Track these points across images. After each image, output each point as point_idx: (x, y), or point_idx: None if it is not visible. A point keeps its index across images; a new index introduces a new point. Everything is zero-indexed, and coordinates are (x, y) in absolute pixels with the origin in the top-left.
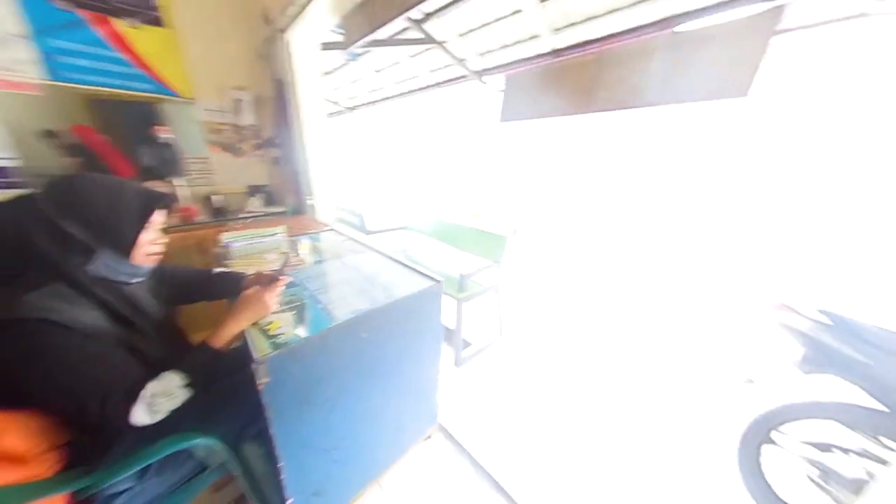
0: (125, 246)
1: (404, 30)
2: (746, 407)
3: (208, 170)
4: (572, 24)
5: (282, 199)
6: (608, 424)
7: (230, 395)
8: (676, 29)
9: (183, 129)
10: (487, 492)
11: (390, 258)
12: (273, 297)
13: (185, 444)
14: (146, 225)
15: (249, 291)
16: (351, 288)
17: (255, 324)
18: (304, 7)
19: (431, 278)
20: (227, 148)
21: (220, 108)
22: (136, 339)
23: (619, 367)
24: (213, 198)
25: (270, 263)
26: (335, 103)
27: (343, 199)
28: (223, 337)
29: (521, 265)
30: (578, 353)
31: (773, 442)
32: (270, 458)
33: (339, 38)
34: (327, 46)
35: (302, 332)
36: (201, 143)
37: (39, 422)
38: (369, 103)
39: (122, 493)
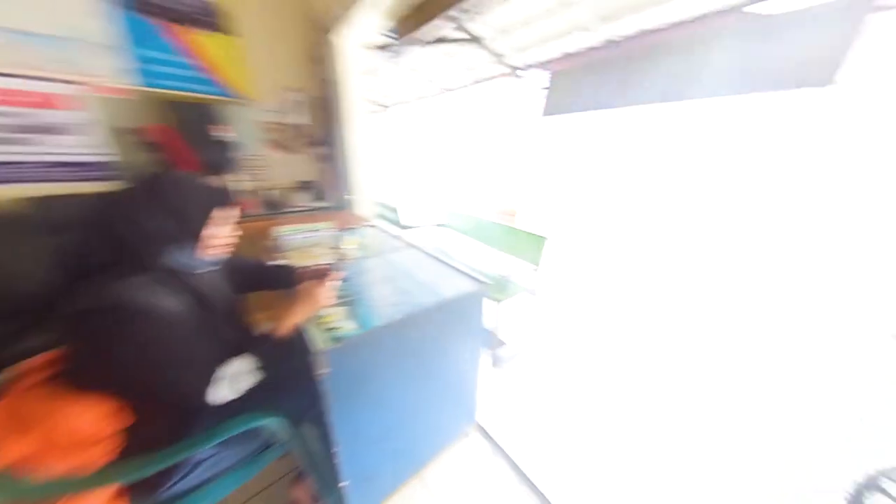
0: (193, 241)
1: (444, 29)
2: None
3: (263, 166)
4: (627, 13)
5: (328, 195)
6: (645, 427)
7: (291, 381)
8: (748, 9)
9: (242, 128)
10: (523, 491)
11: (433, 256)
12: (327, 293)
13: (258, 423)
14: (212, 221)
15: (306, 286)
16: (396, 286)
17: (313, 315)
18: (351, 10)
19: (476, 279)
20: (280, 146)
21: (274, 109)
22: (210, 325)
23: (659, 369)
24: (267, 192)
25: (319, 257)
26: (374, 103)
27: (379, 194)
28: (285, 327)
29: (559, 266)
30: (616, 355)
31: (882, 490)
32: (324, 439)
33: (384, 40)
34: (373, 47)
35: (355, 327)
36: (257, 141)
37: (108, 406)
38: (404, 102)
39: (205, 459)
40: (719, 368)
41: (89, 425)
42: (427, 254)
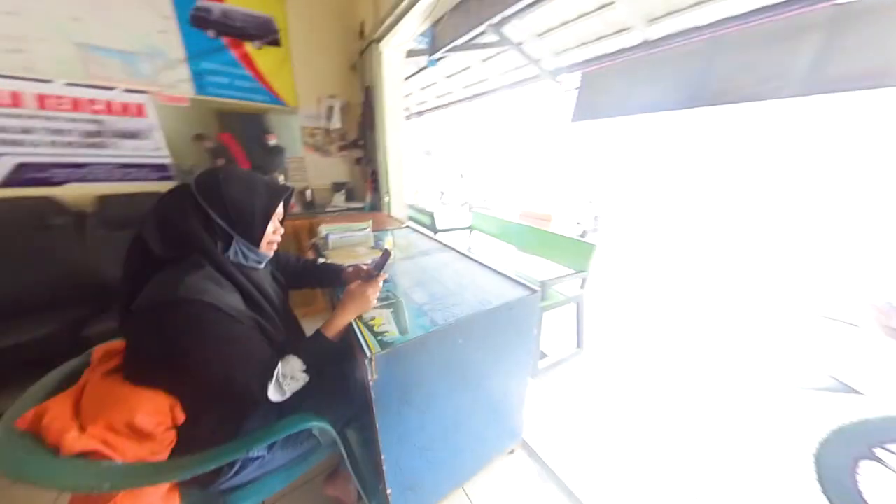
0: (255, 235)
1: (481, 34)
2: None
3: (303, 168)
4: (674, 12)
5: (361, 196)
6: (697, 444)
7: (340, 385)
8: (833, 3)
9: (286, 133)
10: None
11: (475, 261)
12: (374, 293)
13: (307, 425)
14: (272, 216)
15: (353, 287)
16: (442, 288)
17: (359, 318)
18: (398, 18)
19: (527, 287)
20: (318, 149)
21: (315, 115)
22: (264, 322)
23: (707, 382)
24: (306, 192)
25: (362, 257)
26: (405, 109)
27: (413, 197)
28: (334, 327)
29: (601, 273)
30: (663, 367)
31: (876, 458)
32: (367, 445)
33: (423, 46)
34: (411, 54)
35: (403, 332)
36: (299, 144)
37: (166, 401)
38: (438, 107)
39: (256, 459)
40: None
41: (147, 419)
42: (469, 258)
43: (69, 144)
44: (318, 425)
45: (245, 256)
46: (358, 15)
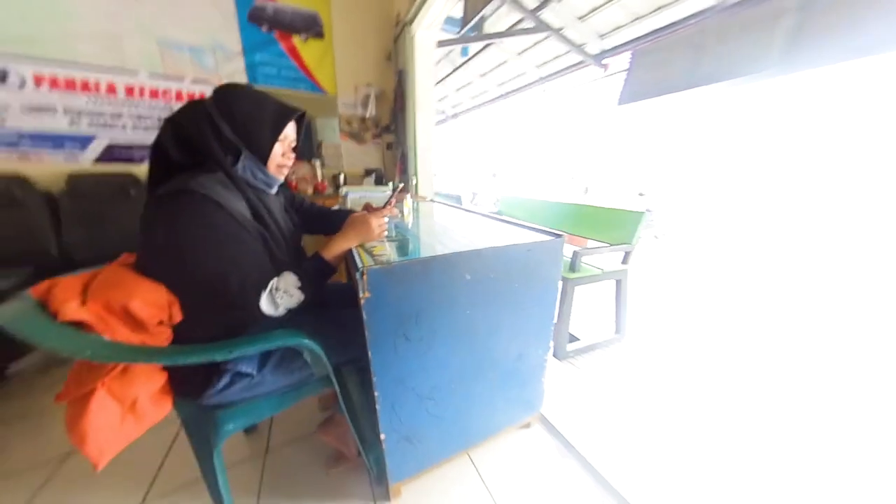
0: (263, 152)
1: (519, 21)
2: None
3: (338, 154)
4: None
5: (390, 179)
6: (744, 444)
7: (339, 328)
8: None
9: (325, 121)
10: (592, 488)
11: (496, 218)
12: (378, 222)
13: (297, 341)
14: (280, 136)
15: (357, 214)
16: (455, 233)
17: (361, 246)
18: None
19: (551, 233)
20: (353, 136)
21: (353, 103)
22: (268, 237)
23: (757, 377)
24: (339, 177)
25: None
26: (441, 112)
27: (443, 186)
28: (332, 250)
29: (656, 265)
30: (711, 361)
31: None
32: (366, 389)
33: (454, 35)
34: (443, 43)
35: (403, 256)
36: (336, 132)
37: (165, 296)
38: (473, 108)
39: (245, 377)
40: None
41: (142, 308)
42: (491, 216)
43: (147, 128)
44: (309, 345)
45: (254, 174)
46: (395, 7)
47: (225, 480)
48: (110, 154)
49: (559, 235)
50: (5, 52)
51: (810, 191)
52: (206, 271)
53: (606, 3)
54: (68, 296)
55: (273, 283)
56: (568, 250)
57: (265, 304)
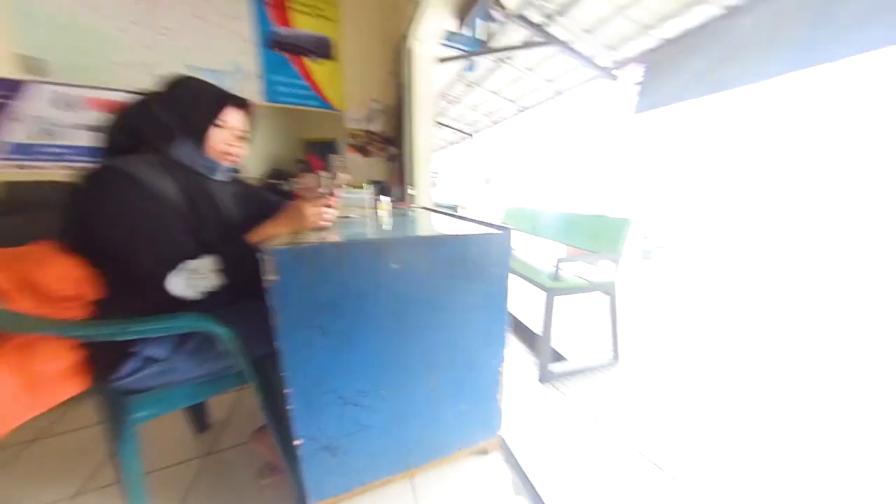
0: (197, 135)
1: (526, 38)
2: None
3: (344, 166)
4: None
5: (391, 190)
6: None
7: (265, 318)
8: None
9: (334, 135)
10: None
11: (461, 217)
12: (313, 210)
13: (203, 325)
14: (217, 121)
15: (294, 202)
16: (404, 229)
17: (296, 234)
18: (418, 6)
19: (496, 226)
20: (359, 149)
21: (359, 117)
22: (199, 225)
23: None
24: (340, 183)
25: (347, 213)
26: (458, 131)
27: (443, 197)
28: (259, 235)
29: (650, 277)
30: (718, 399)
31: None
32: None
33: (455, 52)
34: (446, 59)
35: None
36: (344, 145)
37: (81, 272)
38: (489, 126)
39: (156, 361)
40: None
41: (47, 280)
42: (456, 216)
43: None
44: (217, 330)
45: (191, 158)
46: (399, 29)
47: (138, 478)
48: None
49: (505, 229)
50: (65, 80)
51: (815, 199)
52: (118, 245)
53: (613, 14)
54: None
55: (188, 263)
56: (552, 259)
57: (177, 284)
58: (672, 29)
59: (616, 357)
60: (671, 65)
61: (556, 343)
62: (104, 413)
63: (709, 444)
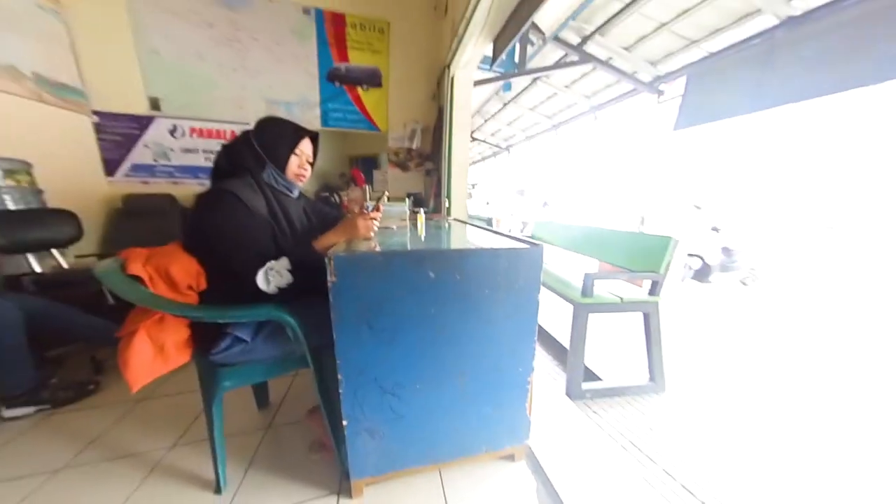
0: (281, 163)
1: (564, 56)
2: None
3: (385, 180)
4: None
5: (427, 202)
6: None
7: (324, 313)
8: None
9: (376, 150)
10: None
11: (492, 230)
12: (364, 223)
13: (276, 315)
14: (295, 150)
15: (348, 216)
16: (440, 241)
17: (349, 243)
18: (460, 39)
19: (529, 242)
20: (399, 165)
21: (401, 136)
22: (278, 233)
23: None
24: (382, 199)
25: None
26: (495, 146)
27: (478, 208)
28: (322, 243)
29: (730, 305)
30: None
31: None
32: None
33: (495, 74)
34: (480, 82)
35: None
36: (385, 161)
37: (195, 267)
38: (526, 139)
39: (242, 342)
40: None
41: (178, 273)
42: (489, 229)
43: None
44: (286, 319)
45: (276, 180)
46: (441, 58)
47: (221, 434)
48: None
49: (536, 245)
50: (176, 114)
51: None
52: (221, 248)
53: (653, 31)
54: (135, 259)
55: (270, 263)
56: (583, 274)
57: (260, 280)
58: (721, 42)
59: (657, 381)
60: (714, 79)
61: (591, 362)
62: (201, 380)
63: (757, 486)
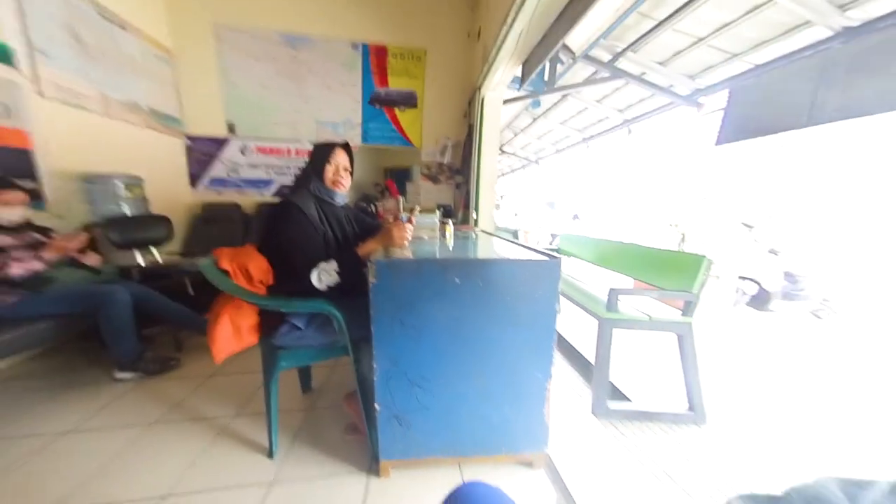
0: (319, 173)
1: (594, 74)
2: None
3: (417, 192)
4: None
5: (455, 214)
6: None
7: (365, 309)
8: None
9: (408, 163)
10: None
11: (515, 243)
12: (400, 233)
13: (324, 308)
14: (329, 159)
15: (386, 225)
16: (466, 250)
17: (387, 250)
18: (490, 64)
19: (547, 254)
20: (431, 178)
21: (433, 151)
22: (327, 238)
23: None
24: (415, 210)
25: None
26: (524, 159)
27: (506, 220)
28: (364, 248)
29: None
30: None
31: None
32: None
33: (519, 93)
34: (509, 101)
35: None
36: (418, 174)
37: (266, 265)
38: (556, 152)
39: (297, 329)
40: None
41: (254, 270)
42: (513, 241)
43: None
44: (332, 312)
45: (319, 190)
46: (472, 80)
47: (276, 406)
48: (280, 191)
49: (555, 258)
50: (245, 135)
51: None
52: (284, 251)
53: (690, 46)
54: (224, 257)
55: (321, 265)
56: (608, 289)
57: (314, 278)
58: (766, 54)
59: (696, 411)
60: (764, 92)
61: (621, 382)
62: (264, 359)
63: None
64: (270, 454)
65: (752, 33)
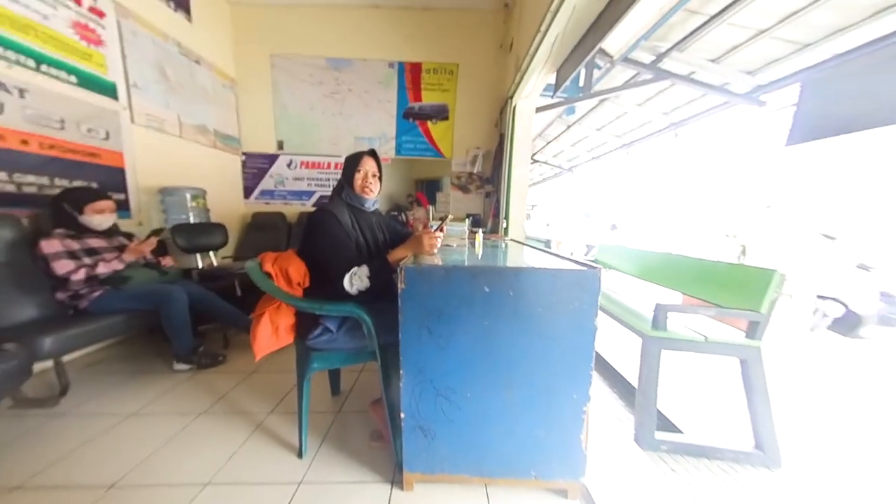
0: (349, 181)
1: (634, 76)
2: None
3: (447, 202)
4: None
5: (485, 223)
6: None
7: (390, 317)
8: None
9: (439, 174)
10: None
11: (554, 254)
12: (429, 241)
13: (355, 312)
14: (358, 167)
15: (417, 234)
16: (496, 259)
17: (416, 257)
18: (523, 74)
19: (586, 264)
20: (461, 188)
21: (463, 162)
22: (359, 243)
23: None
24: (446, 219)
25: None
26: (556, 167)
27: (537, 230)
28: (394, 255)
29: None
30: None
31: None
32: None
33: (553, 100)
34: (541, 109)
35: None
36: (448, 184)
37: (304, 268)
38: (591, 160)
39: (328, 332)
40: None
41: (293, 273)
42: (545, 250)
43: None
44: (362, 316)
45: (350, 197)
46: (504, 90)
47: (307, 406)
48: (318, 201)
49: (594, 268)
50: (292, 152)
51: None
52: (320, 256)
53: (748, 41)
54: (267, 260)
55: (353, 270)
56: (653, 304)
57: (346, 282)
58: (845, 43)
59: (767, 451)
60: (844, 85)
61: (667, 408)
62: (298, 359)
63: None
64: (300, 454)
65: (828, 20)
